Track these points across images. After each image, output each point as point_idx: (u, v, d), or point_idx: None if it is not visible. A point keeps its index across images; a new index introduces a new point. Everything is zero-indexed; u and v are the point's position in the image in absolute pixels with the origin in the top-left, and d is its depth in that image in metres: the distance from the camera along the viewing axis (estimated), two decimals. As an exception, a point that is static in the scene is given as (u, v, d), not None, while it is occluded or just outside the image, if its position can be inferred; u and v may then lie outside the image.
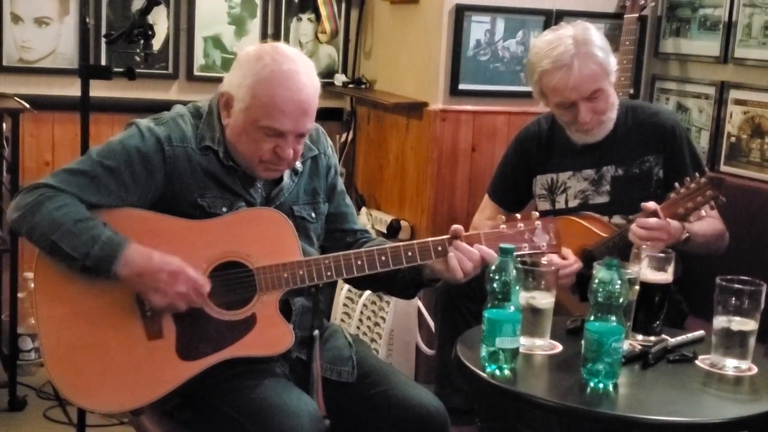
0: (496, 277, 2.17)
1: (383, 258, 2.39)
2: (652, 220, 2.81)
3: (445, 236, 2.42)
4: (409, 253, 2.40)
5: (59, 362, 2.29)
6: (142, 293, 2.29)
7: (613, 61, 3.10)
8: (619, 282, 2.13)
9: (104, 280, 2.28)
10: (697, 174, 2.83)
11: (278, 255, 2.36)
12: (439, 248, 2.41)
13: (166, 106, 2.58)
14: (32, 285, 2.35)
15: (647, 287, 2.44)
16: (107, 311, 2.31)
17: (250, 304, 2.35)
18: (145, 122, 2.42)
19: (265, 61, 2.34)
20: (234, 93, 2.37)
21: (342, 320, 4.16)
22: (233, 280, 2.35)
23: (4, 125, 3.92)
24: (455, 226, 2.44)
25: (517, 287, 2.20)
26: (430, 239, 2.41)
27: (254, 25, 4.50)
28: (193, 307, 2.31)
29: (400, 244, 2.41)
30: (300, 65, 2.37)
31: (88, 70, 3.37)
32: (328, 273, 2.37)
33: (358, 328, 4.07)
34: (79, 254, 2.24)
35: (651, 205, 2.84)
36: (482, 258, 2.38)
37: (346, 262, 2.38)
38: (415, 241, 2.41)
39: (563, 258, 2.98)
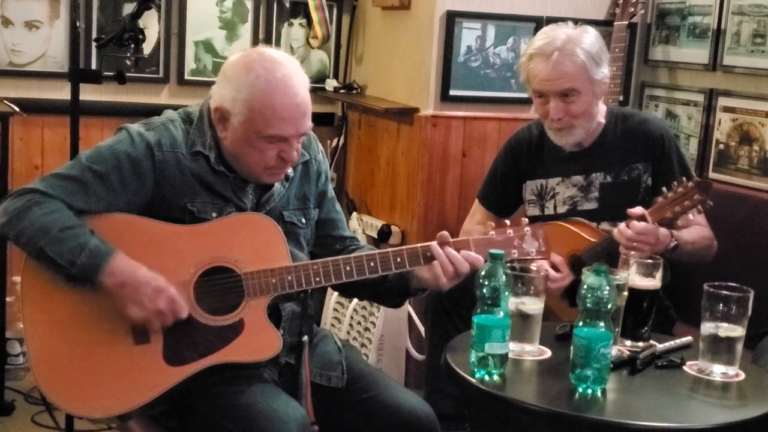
0: (486, 283, 2.18)
1: (372, 264, 2.39)
2: (641, 224, 2.82)
3: (433, 242, 2.42)
4: (398, 259, 2.39)
5: (46, 367, 2.29)
6: (121, 303, 2.27)
7: (601, 72, 3.10)
8: (608, 288, 2.13)
9: (88, 287, 2.28)
10: (684, 178, 2.85)
11: (267, 260, 2.36)
12: (428, 254, 2.40)
13: (157, 110, 2.58)
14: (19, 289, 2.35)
15: (636, 293, 2.45)
16: (94, 316, 2.30)
17: (238, 309, 2.34)
18: (135, 127, 2.42)
19: (257, 72, 2.33)
20: (229, 107, 2.36)
21: (332, 325, 4.15)
22: (221, 285, 2.35)
23: (-7, 128, 3.91)
24: (442, 233, 2.44)
25: (507, 293, 2.21)
26: (419, 245, 2.41)
27: (245, 30, 4.50)
28: (165, 326, 2.30)
29: (389, 249, 2.41)
30: (290, 68, 2.37)
31: (78, 74, 3.37)
32: (317, 278, 2.37)
33: (348, 333, 4.06)
34: (65, 261, 2.23)
35: (637, 210, 2.85)
36: (470, 263, 2.39)
37: (335, 268, 2.38)
38: (403, 247, 2.41)
39: (553, 265, 2.99)
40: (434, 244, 2.41)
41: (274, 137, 2.34)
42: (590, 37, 3.12)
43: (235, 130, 2.37)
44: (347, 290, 2.65)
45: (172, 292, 2.28)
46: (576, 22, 3.22)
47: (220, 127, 2.40)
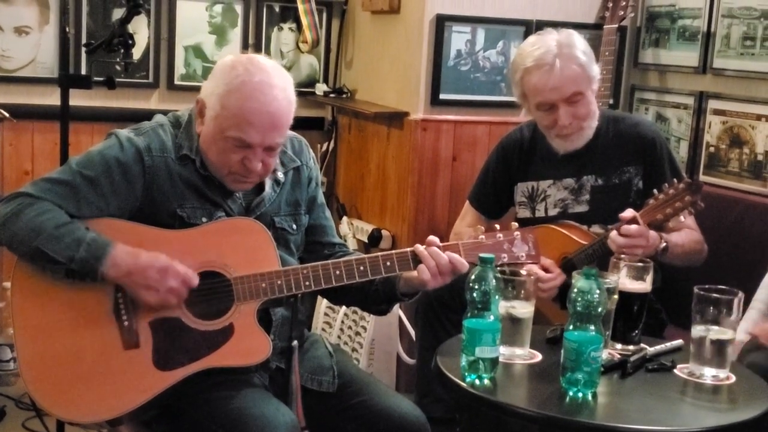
0: (476, 287, 2.18)
1: (362, 268, 2.38)
2: (633, 227, 2.82)
3: (422, 245, 2.42)
4: (388, 263, 2.39)
5: (36, 372, 2.28)
6: (133, 292, 2.28)
7: (596, 69, 3.12)
8: (598, 291, 2.14)
9: (81, 290, 2.28)
10: (675, 180, 2.85)
11: (256, 265, 2.36)
12: (417, 257, 2.40)
13: (147, 115, 2.58)
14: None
15: (626, 296, 2.45)
16: (84, 321, 2.30)
17: (228, 314, 2.34)
18: (124, 132, 2.41)
19: (238, 71, 2.33)
20: (207, 101, 2.37)
21: (323, 330, 4.15)
22: (211, 290, 2.34)
23: (-17, 134, 3.90)
24: (430, 238, 2.44)
25: (497, 296, 2.21)
26: (408, 249, 2.41)
27: (235, 35, 4.50)
28: (182, 300, 2.30)
29: (379, 254, 2.41)
30: (274, 78, 2.35)
31: (67, 80, 3.36)
32: (307, 283, 2.36)
33: (338, 337, 4.06)
34: (64, 258, 2.23)
35: (628, 213, 2.85)
36: (452, 265, 2.38)
37: (325, 272, 2.37)
38: (393, 251, 2.41)
39: (544, 268, 2.99)
40: (418, 245, 2.41)
41: (237, 140, 2.33)
42: (578, 37, 3.14)
43: (207, 125, 2.38)
44: (335, 297, 2.64)
45: (178, 267, 2.28)
46: (564, 26, 3.23)
47: (199, 121, 2.41)
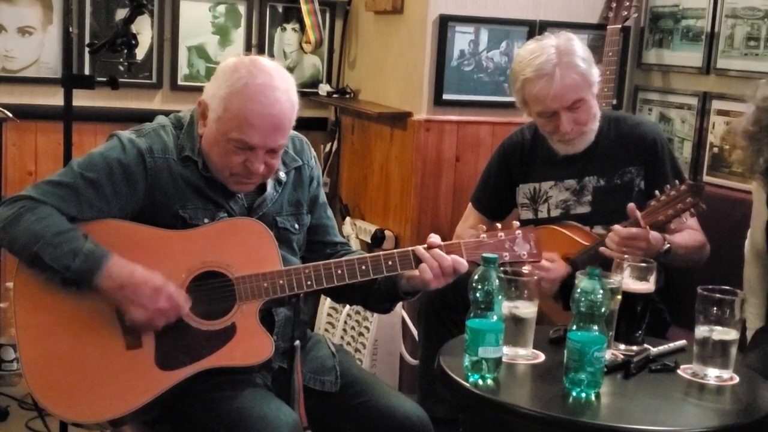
0: (479, 287, 2.17)
1: (363, 267, 2.38)
2: (626, 229, 2.83)
3: (423, 245, 2.42)
4: (389, 263, 2.39)
5: (38, 372, 2.29)
6: (122, 306, 2.28)
7: (595, 72, 3.12)
8: (601, 291, 2.13)
9: (84, 290, 2.28)
10: (677, 182, 2.85)
11: (258, 265, 2.36)
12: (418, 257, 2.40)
13: (150, 115, 2.58)
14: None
15: (629, 297, 2.44)
16: (86, 321, 2.30)
17: (230, 313, 2.34)
18: (126, 134, 2.41)
19: (241, 73, 2.33)
20: (209, 103, 2.37)
21: (326, 330, 4.15)
22: (213, 290, 2.34)
23: (-14, 135, 3.90)
24: (431, 238, 2.44)
25: (500, 297, 2.20)
26: (410, 248, 2.41)
27: (238, 35, 4.50)
28: (168, 324, 2.30)
29: (381, 253, 2.41)
30: (276, 80, 2.35)
31: (71, 80, 3.36)
32: (308, 282, 2.36)
33: (341, 338, 4.06)
34: (60, 266, 2.23)
35: (632, 206, 2.86)
36: (454, 267, 2.38)
37: (327, 272, 2.37)
38: (395, 250, 2.40)
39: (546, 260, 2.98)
40: (419, 247, 2.41)
41: (239, 142, 2.33)
42: (577, 42, 3.12)
43: (210, 127, 2.38)
44: (338, 295, 2.64)
45: (171, 289, 2.28)
46: (567, 26, 3.23)
47: (201, 122, 2.41)
